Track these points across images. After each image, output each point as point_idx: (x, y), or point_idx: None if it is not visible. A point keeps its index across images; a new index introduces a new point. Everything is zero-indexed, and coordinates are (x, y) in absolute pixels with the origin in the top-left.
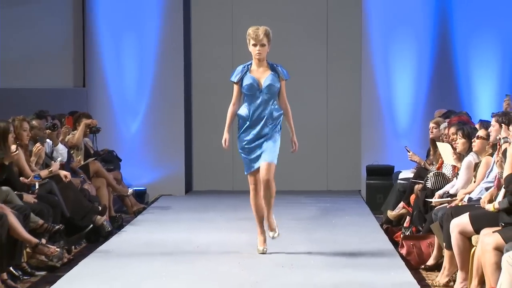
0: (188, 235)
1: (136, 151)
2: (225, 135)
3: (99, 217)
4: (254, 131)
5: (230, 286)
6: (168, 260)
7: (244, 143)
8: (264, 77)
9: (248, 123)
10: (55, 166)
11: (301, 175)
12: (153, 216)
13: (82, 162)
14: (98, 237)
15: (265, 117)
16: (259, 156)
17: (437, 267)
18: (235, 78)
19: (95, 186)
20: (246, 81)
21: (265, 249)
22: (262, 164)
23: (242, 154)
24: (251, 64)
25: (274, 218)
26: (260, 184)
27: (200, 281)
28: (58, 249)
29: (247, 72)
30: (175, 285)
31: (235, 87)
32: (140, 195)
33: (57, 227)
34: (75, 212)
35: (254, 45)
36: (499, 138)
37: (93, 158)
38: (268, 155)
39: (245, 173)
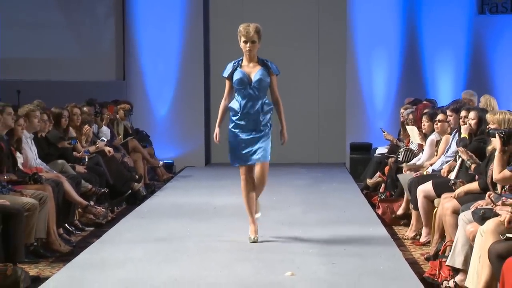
0: (207, 199)
1: (165, 131)
2: (216, 130)
3: (136, 184)
4: (245, 125)
5: (241, 238)
6: (191, 219)
7: (234, 136)
8: (254, 72)
9: (239, 116)
10: (100, 143)
11: (296, 150)
12: (179, 183)
13: (122, 140)
14: (135, 200)
15: (256, 111)
16: (252, 154)
17: (406, 217)
18: (226, 73)
19: (133, 160)
20: (237, 76)
21: (256, 238)
22: (258, 165)
23: (231, 145)
24: (242, 60)
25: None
26: (250, 177)
27: (218, 235)
28: (103, 210)
29: (238, 68)
30: (197, 238)
31: (227, 82)
32: (169, 167)
33: (102, 191)
34: (117, 180)
35: (245, 42)
36: (488, 129)
37: (131, 137)
38: (263, 156)
39: (232, 164)
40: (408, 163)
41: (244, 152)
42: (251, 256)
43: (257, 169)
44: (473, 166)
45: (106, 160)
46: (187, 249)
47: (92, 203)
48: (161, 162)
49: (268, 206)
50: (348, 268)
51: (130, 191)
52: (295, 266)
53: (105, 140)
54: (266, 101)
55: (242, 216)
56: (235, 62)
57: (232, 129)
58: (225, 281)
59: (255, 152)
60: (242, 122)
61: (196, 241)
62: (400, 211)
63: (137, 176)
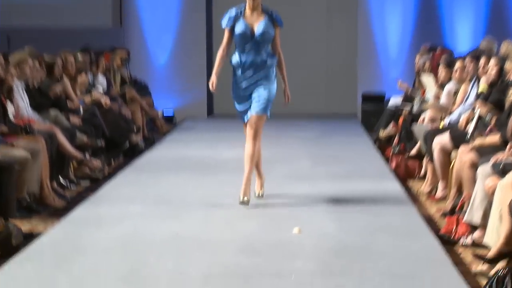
0: (210, 152)
1: (165, 81)
2: (213, 78)
3: (134, 136)
4: (246, 79)
5: None
6: (193, 173)
7: (237, 92)
8: (258, 22)
9: (240, 70)
10: (96, 94)
11: (304, 100)
12: (180, 135)
13: (120, 90)
14: (133, 153)
15: (259, 64)
16: (249, 107)
17: (418, 157)
18: (226, 23)
19: (130, 111)
20: (238, 29)
21: (246, 199)
22: (251, 116)
23: (236, 104)
24: (244, 8)
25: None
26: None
27: (221, 188)
28: (100, 163)
29: (240, 18)
30: (199, 192)
31: (226, 31)
32: (169, 118)
33: (99, 144)
34: (114, 132)
35: None
36: (508, 80)
37: (128, 86)
38: (258, 106)
39: (244, 121)
40: (429, 104)
41: (243, 109)
42: (256, 212)
43: (249, 120)
44: (493, 119)
45: (102, 111)
46: (189, 205)
47: (87, 156)
48: (160, 113)
49: (273, 160)
50: (359, 225)
51: (128, 144)
52: (302, 222)
53: (101, 89)
54: (270, 54)
55: None
56: (237, 11)
57: (234, 86)
58: (229, 238)
59: (251, 104)
60: (243, 77)
61: (198, 197)
62: (413, 151)
63: (135, 128)
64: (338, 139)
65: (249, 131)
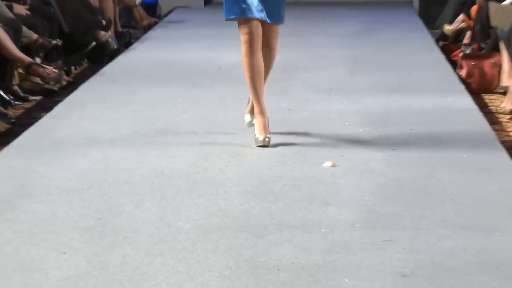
0: (208, 55)
1: None
2: None
3: (103, 32)
4: None
5: None
6: (185, 84)
7: None
8: None
9: None
10: None
11: None
12: (167, 31)
13: None
14: (102, 57)
15: None
16: (261, 4)
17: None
18: None
19: None
20: None
21: (266, 139)
22: (269, 25)
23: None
24: None
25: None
26: (257, 36)
27: (223, 107)
28: (55, 70)
29: None
30: (193, 113)
31: None
32: (151, 7)
33: (54, 42)
34: (75, 27)
35: None
36: None
37: None
38: (277, 13)
39: (227, 17)
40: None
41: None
42: (273, 140)
43: (266, 30)
44: None
45: None
46: (179, 129)
47: (38, 60)
48: (139, 0)
49: (296, 66)
50: (415, 156)
51: (94, 43)
52: (337, 154)
53: None
54: None
55: None
56: None
57: None
58: (234, 177)
59: (265, 3)
60: None
61: (191, 119)
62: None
63: (104, 21)
64: (387, 36)
65: (267, 42)
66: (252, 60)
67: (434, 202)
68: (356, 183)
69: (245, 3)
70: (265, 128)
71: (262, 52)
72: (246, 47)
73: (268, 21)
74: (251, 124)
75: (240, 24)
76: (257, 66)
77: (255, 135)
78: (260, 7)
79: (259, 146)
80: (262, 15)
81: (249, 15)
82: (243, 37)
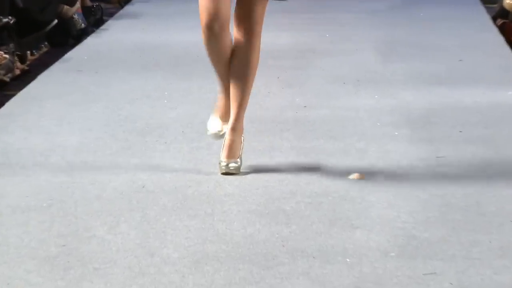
0: (194, 36)
1: None
2: None
3: (66, 7)
4: None
5: (254, 110)
6: (172, 73)
7: None
8: None
9: None
10: None
11: None
12: (148, 6)
13: None
14: (66, 38)
15: None
16: None
17: None
18: None
19: None
20: None
21: (221, 132)
22: None
23: None
24: None
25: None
26: (224, 23)
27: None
28: (6, 55)
29: None
30: (183, 108)
31: None
32: None
33: (4, 20)
34: (31, 0)
35: None
36: None
37: None
38: None
39: None
40: None
41: None
42: (285, 145)
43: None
44: None
45: None
46: (165, 131)
47: None
48: None
49: (315, 52)
50: (465, 165)
51: (55, 20)
52: (367, 162)
53: None
54: None
55: (269, 67)
56: None
57: None
58: (236, 190)
59: None
60: None
61: (181, 115)
62: None
63: None
64: (430, 12)
65: (238, 24)
66: (214, 46)
67: (490, 224)
68: (390, 200)
69: None
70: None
71: (235, 38)
72: (206, 34)
73: None
74: (219, 136)
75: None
76: (220, 49)
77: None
78: None
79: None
80: None
81: None
82: (202, 22)
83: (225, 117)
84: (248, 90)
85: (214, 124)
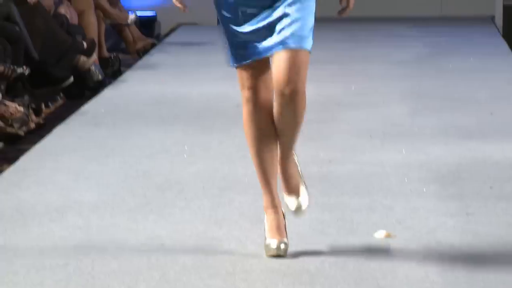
0: (223, 88)
1: None
2: None
3: (83, 59)
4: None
5: None
6: (192, 127)
7: (229, 12)
8: None
9: None
10: None
11: None
12: (168, 57)
13: None
14: (82, 90)
15: None
16: (265, 38)
17: None
18: None
19: (77, 11)
20: None
21: (282, 245)
22: (279, 53)
23: (226, 33)
24: None
25: (298, 161)
26: (266, 93)
27: (242, 155)
28: (20, 109)
29: None
30: (204, 163)
31: None
32: (148, 24)
33: (19, 72)
34: (47, 51)
35: None
36: None
37: None
38: (294, 37)
39: (232, 65)
40: None
41: (249, 38)
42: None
43: (277, 62)
44: None
45: (25, 12)
46: (185, 187)
47: None
48: (132, 16)
49: (339, 104)
50: (497, 223)
51: (71, 77)
52: (394, 220)
53: None
54: None
55: None
56: None
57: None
58: (258, 248)
59: (272, 31)
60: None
61: (202, 171)
62: None
63: (85, 44)
64: (460, 64)
65: (281, 86)
66: (256, 131)
67: None
68: (419, 260)
69: (244, 49)
70: (279, 229)
71: (280, 112)
72: (248, 112)
73: (280, 46)
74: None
75: (240, 74)
76: (263, 139)
77: (265, 239)
78: (262, 39)
79: (270, 256)
80: (268, 50)
81: (249, 61)
82: (243, 98)
83: (277, 232)
84: (294, 139)
85: (273, 243)
